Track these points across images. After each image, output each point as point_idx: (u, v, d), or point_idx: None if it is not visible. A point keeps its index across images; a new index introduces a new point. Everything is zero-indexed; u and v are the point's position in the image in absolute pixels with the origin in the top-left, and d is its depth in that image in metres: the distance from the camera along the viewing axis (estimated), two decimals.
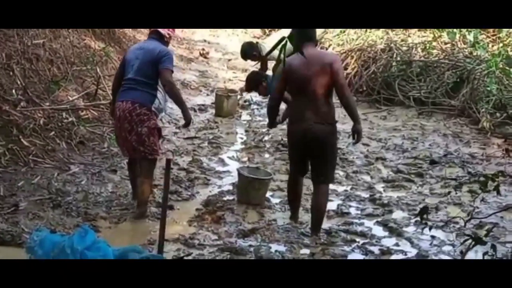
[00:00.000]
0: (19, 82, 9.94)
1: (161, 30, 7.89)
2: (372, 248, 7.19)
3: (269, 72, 10.90)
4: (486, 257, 6.17)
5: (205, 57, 17.75)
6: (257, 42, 13.46)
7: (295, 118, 7.49)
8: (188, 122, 8.08)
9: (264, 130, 11.76)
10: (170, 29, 8.04)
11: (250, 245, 7.05)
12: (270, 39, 14.46)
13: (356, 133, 7.51)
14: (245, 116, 13.12)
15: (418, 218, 7.72)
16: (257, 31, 20.52)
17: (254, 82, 10.88)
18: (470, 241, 5.22)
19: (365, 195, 8.74)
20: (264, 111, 12.97)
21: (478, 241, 5.00)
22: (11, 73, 10.04)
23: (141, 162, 8.00)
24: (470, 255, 6.22)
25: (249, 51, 13.06)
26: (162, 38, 7.93)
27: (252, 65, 15.78)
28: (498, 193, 5.06)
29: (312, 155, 7.50)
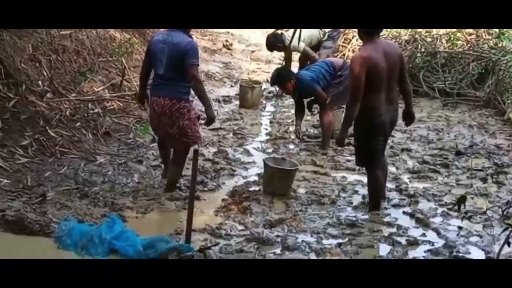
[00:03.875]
0: (45, 74, 10.00)
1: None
2: (398, 238, 7.15)
3: (309, 73, 10.70)
4: None
5: (229, 49, 17.72)
6: (281, 33, 13.46)
7: (383, 109, 7.40)
8: (210, 120, 8.09)
9: (288, 120, 11.75)
10: None
11: (277, 235, 7.05)
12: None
13: (410, 116, 7.83)
14: (269, 107, 13.08)
15: (445, 209, 7.77)
16: None
17: (282, 78, 10.74)
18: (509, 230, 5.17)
19: (391, 185, 8.65)
20: (289, 102, 12.96)
21: None
22: (37, 64, 10.10)
23: (176, 148, 8.21)
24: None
25: (275, 42, 13.13)
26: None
27: (276, 56, 15.80)
28: None
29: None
